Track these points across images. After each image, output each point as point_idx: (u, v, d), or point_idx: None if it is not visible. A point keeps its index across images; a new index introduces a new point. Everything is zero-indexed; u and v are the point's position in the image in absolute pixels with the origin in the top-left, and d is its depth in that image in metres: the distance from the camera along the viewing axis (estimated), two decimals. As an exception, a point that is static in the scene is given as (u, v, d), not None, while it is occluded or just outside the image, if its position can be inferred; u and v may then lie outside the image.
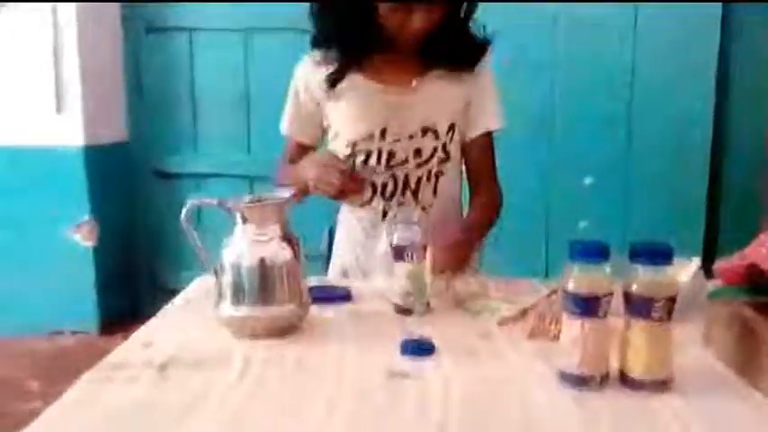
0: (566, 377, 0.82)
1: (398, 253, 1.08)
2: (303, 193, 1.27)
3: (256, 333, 0.96)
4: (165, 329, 1.03)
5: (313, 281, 1.16)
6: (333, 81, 1.31)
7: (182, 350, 0.93)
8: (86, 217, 2.73)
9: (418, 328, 1.01)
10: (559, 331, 0.85)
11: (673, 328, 0.81)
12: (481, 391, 0.81)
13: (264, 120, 2.84)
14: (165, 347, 0.94)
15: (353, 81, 1.32)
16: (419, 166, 1.33)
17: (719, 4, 2.47)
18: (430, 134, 1.32)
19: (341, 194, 1.27)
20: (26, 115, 2.68)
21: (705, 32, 2.48)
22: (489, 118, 1.38)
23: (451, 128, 1.34)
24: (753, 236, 1.20)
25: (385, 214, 1.36)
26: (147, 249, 2.94)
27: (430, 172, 1.34)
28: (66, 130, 2.68)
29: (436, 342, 0.93)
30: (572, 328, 0.81)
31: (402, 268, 1.08)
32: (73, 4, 2.63)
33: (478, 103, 1.36)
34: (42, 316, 2.72)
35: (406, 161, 1.33)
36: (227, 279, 0.96)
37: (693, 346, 0.93)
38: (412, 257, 1.07)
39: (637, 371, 0.80)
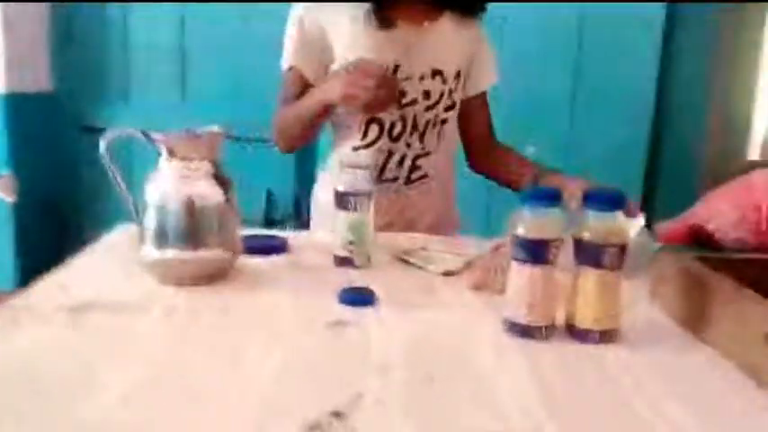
0: (512, 327, 0.78)
1: (342, 201, 1.02)
2: (327, 111, 1.21)
3: (182, 279, 0.88)
4: (82, 273, 0.94)
5: (246, 232, 1.09)
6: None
7: (99, 294, 0.85)
8: (5, 171, 2.55)
9: (359, 279, 0.96)
10: (504, 284, 0.81)
11: (622, 279, 0.78)
12: (424, 338, 0.77)
13: (201, 74, 2.72)
14: (80, 291, 0.85)
15: (363, 13, 1.25)
16: (427, 109, 1.30)
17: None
18: (438, 77, 1.29)
19: (372, 104, 1.14)
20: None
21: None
22: (491, 74, 1.39)
23: (458, 75, 1.32)
24: (689, 203, 1.20)
25: (390, 156, 1.30)
26: (72, 207, 2.78)
27: (436, 117, 1.31)
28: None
29: (378, 293, 0.88)
30: (519, 275, 0.78)
31: (345, 217, 1.02)
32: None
33: (480, 58, 1.36)
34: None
35: (415, 101, 1.28)
36: (151, 219, 0.88)
37: (640, 302, 0.91)
38: (356, 207, 1.01)
39: (585, 321, 0.77)
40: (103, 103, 2.76)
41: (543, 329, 0.77)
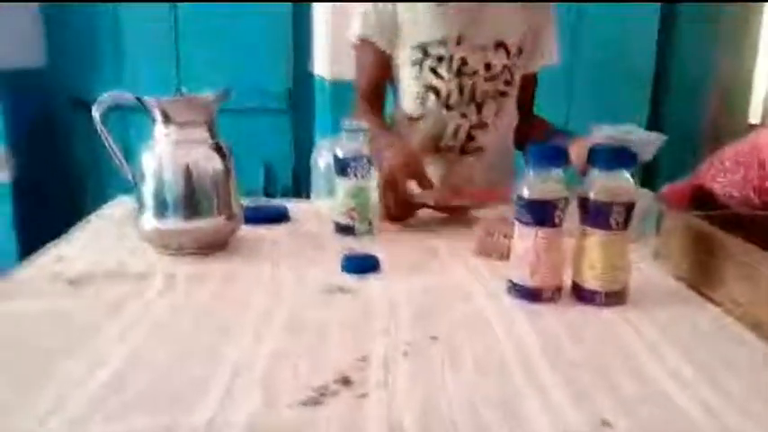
0: (517, 290, 0.77)
1: (342, 167, 1.00)
2: None
3: (181, 248, 0.87)
4: (79, 244, 0.93)
5: (246, 202, 1.07)
6: None
7: (97, 265, 0.83)
8: (1, 148, 2.52)
9: (361, 246, 0.94)
10: (508, 249, 0.80)
11: (629, 238, 0.77)
12: (428, 301, 0.76)
13: (195, 43, 2.67)
14: (77, 262, 0.84)
15: None
16: (487, 80, 1.29)
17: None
18: (501, 50, 1.29)
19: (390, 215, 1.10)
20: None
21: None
22: (550, 53, 1.36)
23: (519, 51, 1.31)
24: (693, 167, 1.19)
25: (444, 126, 1.30)
26: (68, 182, 2.76)
27: (495, 89, 1.31)
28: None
29: (381, 259, 0.87)
30: (524, 238, 0.76)
31: (345, 183, 1.00)
32: None
33: (543, 36, 1.34)
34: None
35: (476, 72, 1.28)
36: (149, 188, 0.86)
37: (645, 263, 0.90)
38: (356, 173, 0.99)
39: (591, 282, 0.76)
40: (95, 77, 2.72)
41: (549, 292, 0.76)
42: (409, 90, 1.31)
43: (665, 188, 1.18)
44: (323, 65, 2.41)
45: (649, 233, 0.97)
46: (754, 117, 2.66)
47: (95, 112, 0.85)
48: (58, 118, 2.74)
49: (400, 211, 1.07)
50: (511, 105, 1.35)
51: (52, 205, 2.74)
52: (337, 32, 2.18)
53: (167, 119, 0.85)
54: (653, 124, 2.56)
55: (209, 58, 2.64)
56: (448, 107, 1.29)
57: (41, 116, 2.71)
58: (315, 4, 2.53)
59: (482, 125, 1.31)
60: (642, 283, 0.82)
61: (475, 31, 1.27)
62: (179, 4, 2.66)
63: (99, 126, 0.85)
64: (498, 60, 1.29)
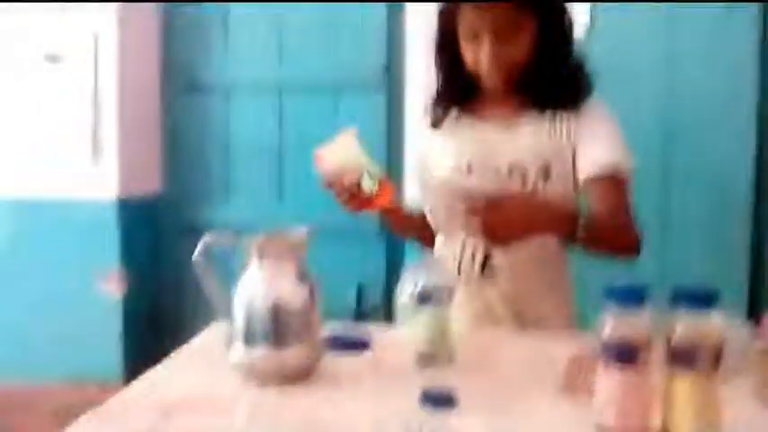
0: (602, 434, 0.74)
1: (423, 298, 1.02)
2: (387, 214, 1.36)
3: (266, 378, 0.90)
4: (172, 373, 0.98)
5: (331, 328, 1.10)
6: (435, 121, 1.35)
7: (187, 395, 0.88)
8: (116, 268, 2.73)
9: (441, 378, 0.94)
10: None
11: (720, 382, 0.73)
12: (507, 446, 0.74)
13: (297, 178, 2.83)
14: (169, 391, 0.89)
15: (450, 118, 1.33)
16: None
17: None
18: (517, 175, 1.23)
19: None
20: (63, 166, 2.73)
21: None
22: (589, 163, 1.22)
23: (545, 170, 1.23)
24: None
25: (463, 248, 1.28)
26: (174, 303, 2.92)
27: None
28: (102, 183, 2.71)
29: (461, 394, 0.86)
30: (608, 379, 0.74)
31: (426, 314, 1.02)
32: (114, 60, 2.70)
33: (584, 144, 1.24)
34: (68, 366, 2.69)
35: None
36: (239, 320, 0.91)
37: (745, 404, 0.84)
38: (438, 303, 1.01)
39: (681, 427, 0.72)
40: (206, 205, 2.93)
41: (636, 437, 0.73)
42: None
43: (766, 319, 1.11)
44: (412, 189, 2.49)
45: (746, 371, 0.90)
46: None
47: (197, 256, 0.92)
48: (168, 242, 2.94)
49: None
50: None
51: (158, 325, 2.89)
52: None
53: (261, 255, 0.91)
54: (756, 238, 2.41)
55: (310, 183, 2.80)
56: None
57: (154, 240, 2.93)
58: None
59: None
60: (739, 425, 0.76)
61: (485, 157, 1.25)
62: (285, 133, 2.86)
63: (200, 268, 0.92)
64: (513, 184, 1.22)
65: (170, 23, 2.92)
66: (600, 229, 1.13)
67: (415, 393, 0.86)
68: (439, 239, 1.33)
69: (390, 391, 0.90)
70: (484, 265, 1.28)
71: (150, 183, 2.95)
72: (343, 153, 1.20)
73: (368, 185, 1.19)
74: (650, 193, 2.40)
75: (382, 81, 2.73)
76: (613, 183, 1.21)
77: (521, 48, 1.20)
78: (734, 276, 2.31)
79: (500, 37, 1.18)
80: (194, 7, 2.88)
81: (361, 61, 2.74)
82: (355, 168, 1.19)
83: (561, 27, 1.25)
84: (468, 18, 1.20)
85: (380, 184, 1.20)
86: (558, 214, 1.15)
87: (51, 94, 2.71)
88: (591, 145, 1.22)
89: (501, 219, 1.04)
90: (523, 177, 1.23)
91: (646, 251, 1.22)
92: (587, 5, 2.38)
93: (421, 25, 2.24)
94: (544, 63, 1.23)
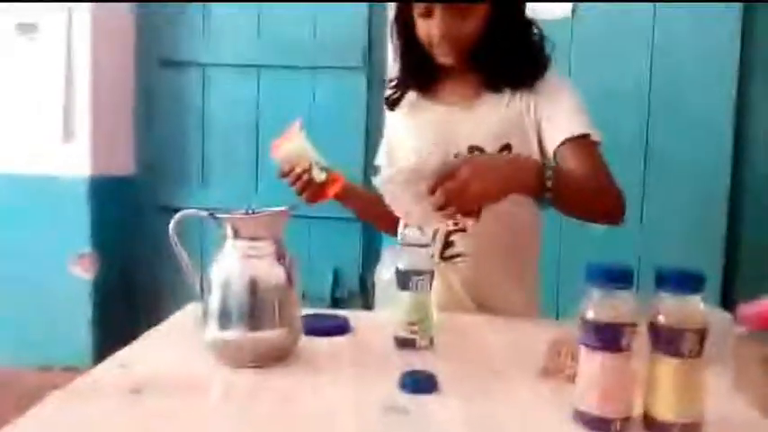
0: (582, 419, 0.73)
1: (404, 280, 1.00)
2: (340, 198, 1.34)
3: (242, 360, 0.88)
4: (145, 352, 0.95)
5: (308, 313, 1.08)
6: (391, 102, 1.36)
7: (158, 374, 0.85)
8: (87, 249, 2.67)
9: (421, 362, 0.93)
10: (575, 371, 0.76)
11: (704, 366, 0.72)
12: (488, 428, 0.72)
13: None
14: (141, 370, 0.86)
15: (410, 101, 1.34)
16: None
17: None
18: (478, 154, 1.22)
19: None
20: (33, 142, 2.65)
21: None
22: (558, 132, 1.20)
23: (506, 148, 1.22)
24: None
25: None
26: (149, 283, 2.87)
27: None
28: (74, 160, 2.64)
29: (441, 377, 0.85)
30: (590, 363, 0.73)
31: (406, 297, 1.00)
32: (88, 36, 2.63)
33: (548, 117, 1.22)
34: (35, 348, 2.64)
35: None
36: (215, 299, 0.88)
37: (722, 391, 0.84)
38: (417, 286, 0.99)
39: (664, 412, 0.71)
40: (180, 185, 2.88)
41: (617, 422, 0.72)
42: None
43: (746, 307, 1.11)
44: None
45: (726, 358, 0.90)
46: None
47: (172, 231, 0.89)
48: (142, 222, 2.88)
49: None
50: (509, 211, 1.14)
51: (132, 307, 2.84)
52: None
53: (236, 233, 0.88)
54: (732, 226, 2.44)
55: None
56: None
57: (127, 220, 2.87)
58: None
59: (459, 230, 1.24)
60: (720, 415, 0.76)
61: (445, 139, 1.24)
62: (263, 111, 2.81)
63: (174, 241, 0.90)
64: None
65: (146, -2, 2.85)
66: (577, 189, 1.10)
67: (395, 376, 0.85)
68: (401, 224, 1.30)
69: (370, 375, 0.88)
70: (444, 249, 1.27)
71: (124, 160, 2.89)
72: (291, 144, 1.25)
73: (317, 175, 1.24)
74: (628, 180, 2.39)
75: (362, 60, 2.70)
76: (587, 147, 1.18)
77: (472, 22, 1.19)
78: (709, 265, 2.33)
79: (451, 11, 1.18)
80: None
81: (341, 39, 2.70)
82: (304, 158, 1.24)
83: (515, 3, 1.25)
84: None
85: (329, 174, 1.26)
86: (524, 164, 1.09)
87: (23, 68, 2.64)
88: (557, 116, 1.21)
89: (460, 183, 0.95)
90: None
91: (621, 235, 1.21)
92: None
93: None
94: (498, 39, 1.21)
